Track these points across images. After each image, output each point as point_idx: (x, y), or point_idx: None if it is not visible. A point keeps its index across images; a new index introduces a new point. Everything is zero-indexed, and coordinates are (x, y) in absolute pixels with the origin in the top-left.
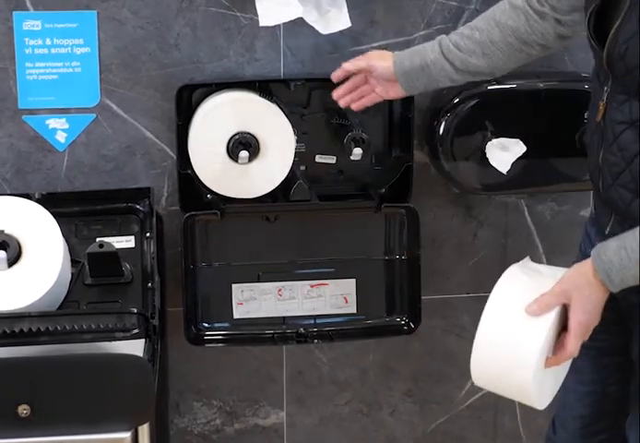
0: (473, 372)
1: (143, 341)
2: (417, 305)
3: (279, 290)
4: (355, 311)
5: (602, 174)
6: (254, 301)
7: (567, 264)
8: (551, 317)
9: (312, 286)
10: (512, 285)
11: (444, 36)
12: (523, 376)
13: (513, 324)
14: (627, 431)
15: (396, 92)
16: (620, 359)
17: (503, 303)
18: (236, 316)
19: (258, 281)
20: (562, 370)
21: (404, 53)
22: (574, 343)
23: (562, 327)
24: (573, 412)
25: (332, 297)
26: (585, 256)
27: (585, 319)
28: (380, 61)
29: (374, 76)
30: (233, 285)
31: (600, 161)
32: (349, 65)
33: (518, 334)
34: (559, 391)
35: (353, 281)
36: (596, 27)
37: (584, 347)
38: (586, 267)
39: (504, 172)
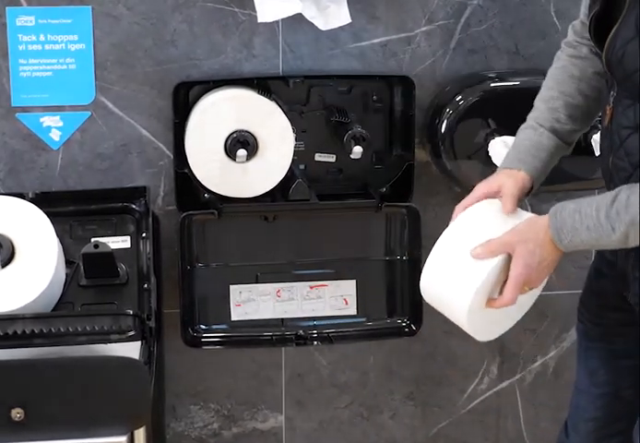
0: (422, 289)
1: (139, 343)
2: (418, 306)
3: (278, 291)
4: (355, 313)
5: (612, 179)
6: (253, 302)
7: (572, 264)
8: (494, 262)
9: (311, 287)
10: (479, 217)
11: (531, 122)
12: (459, 308)
13: (462, 257)
14: (634, 435)
15: None
16: (634, 362)
17: (464, 231)
18: (234, 317)
19: (256, 281)
20: (514, 312)
21: (528, 162)
22: (509, 292)
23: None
24: (585, 414)
25: (332, 298)
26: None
27: (525, 273)
28: (509, 179)
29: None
30: (231, 286)
31: (610, 166)
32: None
33: (463, 268)
34: (572, 393)
35: (353, 282)
36: (598, 31)
37: (598, 348)
38: (540, 222)
39: None
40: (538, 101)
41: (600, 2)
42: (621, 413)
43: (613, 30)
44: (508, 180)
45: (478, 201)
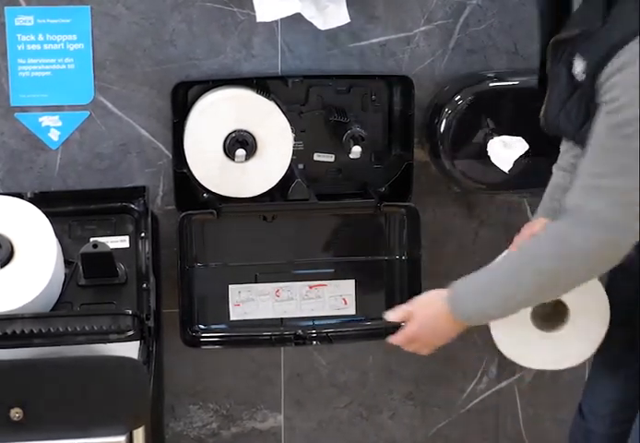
0: None
1: (138, 342)
2: (419, 287)
3: (277, 291)
4: (354, 312)
5: None
6: (252, 302)
7: None
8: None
9: (310, 287)
10: None
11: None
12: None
13: None
14: (633, 433)
15: None
16: None
17: None
18: (233, 317)
19: (256, 281)
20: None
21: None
22: (395, 340)
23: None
24: (604, 395)
25: (331, 298)
26: None
27: (416, 332)
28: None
29: None
30: (230, 286)
31: None
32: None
33: None
34: (590, 375)
35: (352, 281)
36: None
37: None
38: (441, 293)
39: (506, 170)
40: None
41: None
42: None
43: (543, 109)
44: (524, 232)
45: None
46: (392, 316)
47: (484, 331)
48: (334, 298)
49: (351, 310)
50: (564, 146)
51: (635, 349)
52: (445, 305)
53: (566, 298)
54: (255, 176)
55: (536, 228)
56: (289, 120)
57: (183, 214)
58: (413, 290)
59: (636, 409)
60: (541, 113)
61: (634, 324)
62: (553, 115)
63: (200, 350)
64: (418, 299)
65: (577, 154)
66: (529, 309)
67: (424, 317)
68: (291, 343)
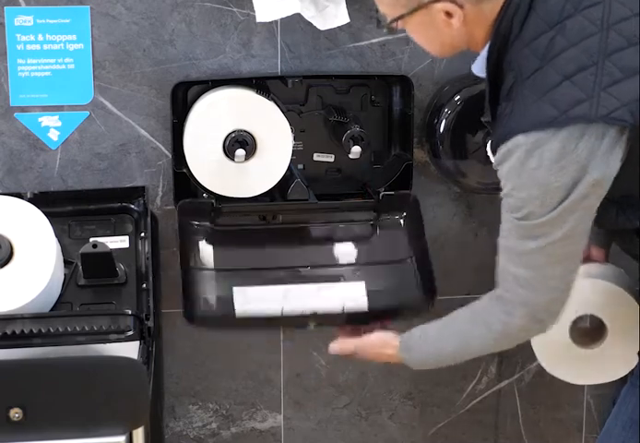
0: None
1: (137, 342)
2: (431, 283)
3: (279, 291)
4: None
5: None
6: (255, 302)
7: None
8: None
9: (314, 288)
10: None
11: None
12: None
13: None
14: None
15: None
16: None
17: None
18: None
19: (259, 283)
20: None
21: None
22: (339, 344)
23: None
24: None
25: (334, 299)
26: None
27: (363, 347)
28: None
29: None
30: (234, 288)
31: None
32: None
33: None
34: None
35: (355, 283)
36: None
37: None
38: (394, 341)
39: None
40: None
41: None
42: None
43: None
44: None
45: None
46: (336, 349)
47: None
48: (340, 299)
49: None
50: None
51: None
52: (397, 353)
53: (603, 315)
54: (255, 177)
55: None
56: (288, 120)
57: (182, 202)
58: (423, 275)
59: None
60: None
61: None
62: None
63: (199, 349)
64: (369, 340)
65: None
66: (568, 325)
67: (373, 354)
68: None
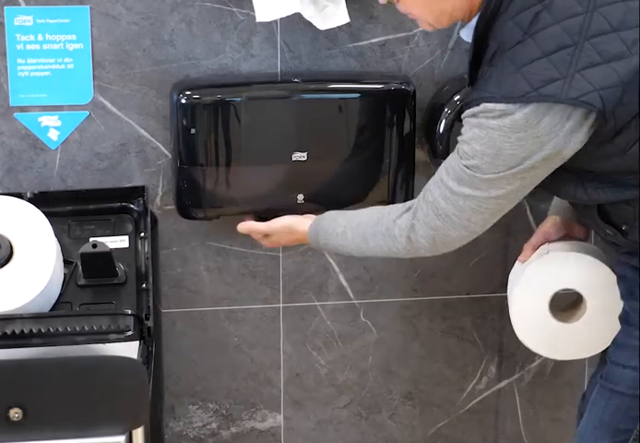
0: None
1: (137, 342)
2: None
3: None
4: None
5: None
6: None
7: None
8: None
9: None
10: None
11: None
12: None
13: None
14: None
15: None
16: None
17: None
18: None
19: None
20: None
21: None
22: (244, 229)
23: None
24: None
25: None
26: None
27: (273, 236)
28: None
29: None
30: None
31: None
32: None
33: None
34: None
35: None
36: None
37: None
38: (302, 227)
39: None
40: None
41: None
42: None
43: None
44: (537, 231)
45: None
46: (244, 229)
47: (484, 331)
48: None
49: None
50: None
51: None
52: (305, 235)
53: (582, 290)
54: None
55: (546, 226)
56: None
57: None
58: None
59: None
60: None
61: None
62: None
63: (199, 349)
64: (280, 223)
65: None
66: (547, 301)
67: (283, 236)
68: None
